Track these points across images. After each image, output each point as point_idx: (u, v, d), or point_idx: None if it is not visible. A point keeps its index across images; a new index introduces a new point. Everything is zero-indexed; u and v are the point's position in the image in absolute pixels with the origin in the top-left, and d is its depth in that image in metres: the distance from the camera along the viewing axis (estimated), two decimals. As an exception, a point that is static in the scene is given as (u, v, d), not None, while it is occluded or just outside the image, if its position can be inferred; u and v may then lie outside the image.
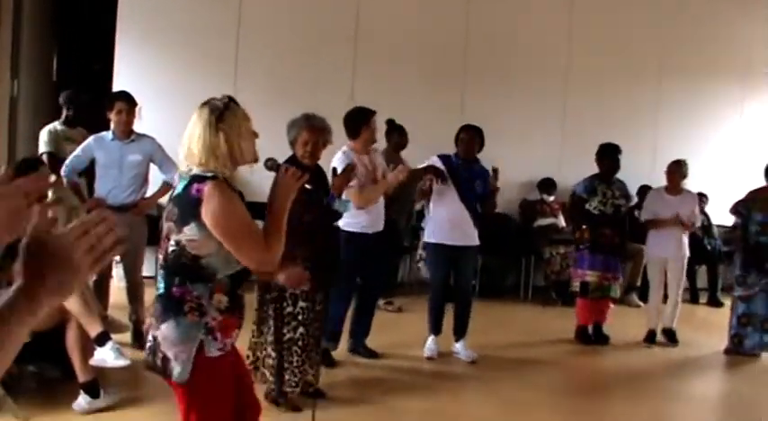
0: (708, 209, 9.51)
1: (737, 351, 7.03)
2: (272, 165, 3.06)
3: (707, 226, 9.39)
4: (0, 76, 8.48)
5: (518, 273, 9.28)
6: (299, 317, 4.64)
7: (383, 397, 5.28)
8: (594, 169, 7.10)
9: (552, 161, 9.59)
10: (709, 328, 7.73)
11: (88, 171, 6.16)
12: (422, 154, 7.59)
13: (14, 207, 1.37)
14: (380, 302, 7.67)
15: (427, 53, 9.20)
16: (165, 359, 2.72)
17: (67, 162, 5.96)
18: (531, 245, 9.12)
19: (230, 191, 2.73)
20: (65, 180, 5.88)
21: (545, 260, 8.97)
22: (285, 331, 4.64)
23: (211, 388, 2.76)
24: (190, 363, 2.69)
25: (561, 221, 9.15)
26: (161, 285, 2.80)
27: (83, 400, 4.51)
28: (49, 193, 1.33)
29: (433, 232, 6.32)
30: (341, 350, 6.03)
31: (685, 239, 7.20)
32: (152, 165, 6.07)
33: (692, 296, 9.32)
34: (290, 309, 4.63)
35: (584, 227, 6.98)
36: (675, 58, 9.90)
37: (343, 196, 5.00)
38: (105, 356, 4.50)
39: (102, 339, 4.50)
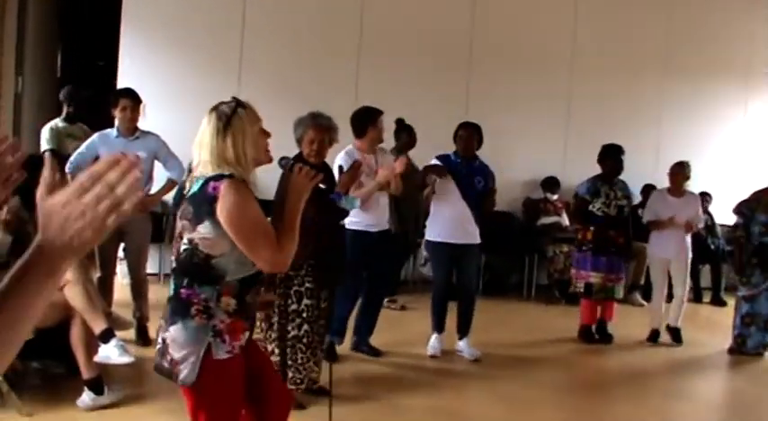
0: (711, 208, 9.50)
1: (741, 351, 7.03)
2: (285, 163, 3.06)
3: (710, 225, 9.37)
4: (5, 73, 8.49)
5: (521, 271, 9.28)
6: (304, 315, 4.65)
7: (387, 394, 5.29)
8: (598, 167, 7.09)
9: (556, 160, 9.58)
10: (713, 328, 7.73)
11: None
12: (425, 152, 7.60)
13: None
14: (384, 301, 7.67)
15: (431, 51, 9.19)
16: (174, 362, 2.72)
17: (72, 159, 5.96)
18: (534, 243, 9.12)
19: (246, 190, 2.72)
20: (69, 177, 5.88)
21: (548, 258, 8.97)
22: (290, 328, 4.64)
23: (219, 390, 2.76)
24: (197, 366, 2.69)
25: (565, 220, 9.14)
26: (171, 287, 2.81)
27: (87, 397, 4.51)
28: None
29: (434, 231, 6.32)
30: (345, 347, 6.04)
31: (688, 240, 7.18)
32: (156, 162, 6.06)
33: (696, 295, 9.31)
34: (294, 306, 4.63)
35: (591, 228, 6.97)
36: (678, 57, 9.89)
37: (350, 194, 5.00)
38: (110, 353, 4.49)
39: (106, 336, 4.50)
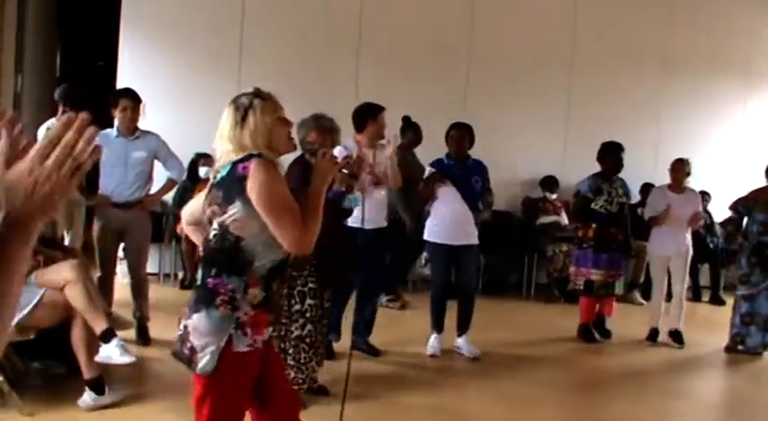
0: (710, 207, 9.51)
1: (737, 349, 7.05)
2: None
3: (709, 224, 9.38)
4: (4, 72, 8.49)
5: (521, 270, 9.30)
6: (307, 315, 4.66)
7: (388, 392, 5.30)
8: (598, 167, 7.10)
9: (555, 158, 9.60)
10: (712, 327, 7.74)
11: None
12: (423, 150, 7.64)
13: None
14: (384, 300, 7.69)
15: (430, 49, 9.20)
16: (193, 349, 2.73)
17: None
18: (533, 242, 9.13)
19: (275, 169, 2.78)
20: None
21: (548, 258, 8.99)
22: (293, 328, 4.65)
23: (233, 383, 2.76)
24: (217, 356, 2.69)
25: (564, 219, 9.16)
26: (199, 276, 2.83)
27: (88, 397, 4.51)
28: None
29: (433, 231, 6.33)
30: (344, 346, 6.04)
31: (689, 237, 7.19)
32: (156, 161, 6.07)
33: (695, 294, 9.32)
34: (297, 306, 4.65)
35: (591, 225, 6.98)
36: (677, 55, 9.90)
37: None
38: (111, 353, 4.50)
39: (107, 336, 4.50)
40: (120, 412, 4.56)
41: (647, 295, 8.45)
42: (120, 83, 7.93)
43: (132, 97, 5.87)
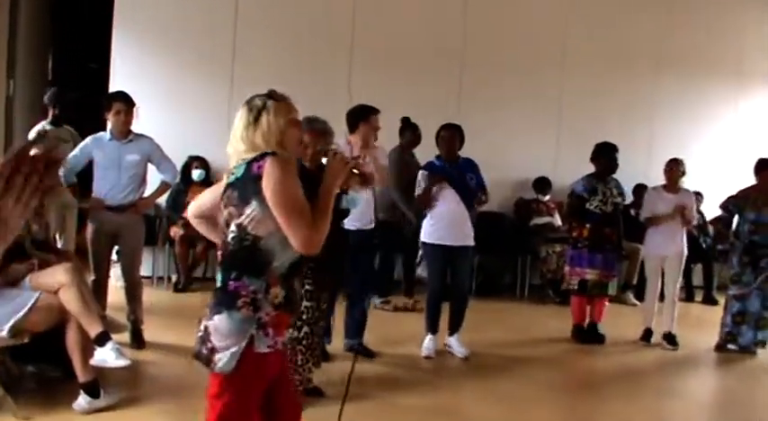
0: (703, 207, 9.54)
1: (728, 348, 7.08)
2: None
3: (702, 224, 9.41)
4: (-4, 76, 8.48)
5: (514, 271, 9.31)
6: (304, 317, 4.67)
7: (383, 393, 5.31)
8: (591, 168, 7.12)
9: (548, 159, 9.62)
10: (705, 326, 7.76)
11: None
12: (419, 151, 7.66)
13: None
14: (377, 301, 7.69)
15: (423, 53, 9.21)
16: (213, 350, 2.73)
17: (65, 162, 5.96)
18: (527, 243, 9.15)
19: (289, 166, 2.79)
20: (63, 180, 5.88)
21: (541, 259, 9.00)
22: (290, 330, 4.65)
23: (251, 383, 2.77)
24: (237, 356, 2.70)
25: (557, 220, 9.18)
26: (219, 279, 2.83)
27: (83, 400, 4.51)
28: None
29: (430, 232, 6.34)
30: (338, 349, 6.05)
31: (684, 237, 7.21)
32: (150, 165, 6.07)
33: (688, 294, 9.36)
34: (295, 308, 4.65)
35: (586, 225, 6.99)
36: (670, 56, 9.93)
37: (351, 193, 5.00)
38: (106, 356, 4.50)
39: (102, 339, 4.51)
40: (115, 415, 4.55)
41: (639, 296, 8.47)
42: (113, 86, 7.92)
43: (125, 100, 5.87)
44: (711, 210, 9.12)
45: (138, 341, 5.93)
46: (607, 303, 7.29)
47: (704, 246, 9.50)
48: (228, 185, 2.84)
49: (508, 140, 9.33)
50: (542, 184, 9.41)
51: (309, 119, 4.81)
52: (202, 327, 2.79)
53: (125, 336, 5.75)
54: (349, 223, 5.64)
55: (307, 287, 4.63)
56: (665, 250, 7.15)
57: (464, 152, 6.45)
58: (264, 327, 2.73)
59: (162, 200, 7.49)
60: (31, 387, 4.81)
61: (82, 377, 4.52)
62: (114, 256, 6.30)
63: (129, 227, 5.92)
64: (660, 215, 7.12)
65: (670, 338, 7.13)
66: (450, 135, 6.37)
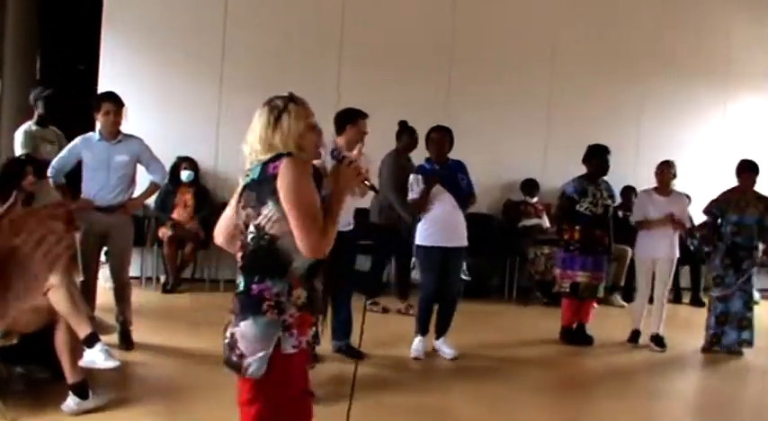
0: (690, 209, 9.56)
1: (713, 349, 7.12)
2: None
3: (690, 227, 9.44)
4: (-16, 77, 8.45)
5: (502, 273, 9.33)
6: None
7: (370, 393, 5.29)
8: (578, 170, 7.15)
9: (536, 161, 9.64)
10: (691, 328, 7.80)
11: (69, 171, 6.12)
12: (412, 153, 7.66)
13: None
14: (367, 304, 7.68)
15: (412, 53, 9.22)
16: (242, 356, 2.76)
17: (54, 163, 5.95)
18: (515, 245, 9.17)
19: (305, 167, 2.80)
20: (51, 181, 5.87)
21: (530, 260, 9.02)
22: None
23: (284, 384, 2.80)
24: (266, 360, 2.73)
25: (546, 222, 9.21)
26: (240, 283, 2.84)
27: (71, 401, 4.50)
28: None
29: (425, 236, 6.34)
30: (326, 350, 6.04)
31: (676, 239, 7.23)
32: (139, 165, 6.06)
33: (676, 296, 9.39)
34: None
35: (576, 227, 7.01)
36: (658, 57, 9.97)
37: None
38: (95, 357, 4.50)
39: (91, 340, 4.51)
40: (104, 416, 4.55)
41: (627, 298, 8.51)
42: (102, 86, 7.90)
43: (114, 101, 5.86)
44: (699, 212, 9.17)
45: (126, 342, 5.92)
46: (596, 305, 7.32)
47: (692, 248, 9.53)
48: (245, 187, 2.85)
49: (497, 142, 9.35)
50: (530, 186, 9.44)
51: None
52: (228, 335, 2.81)
53: (114, 338, 5.75)
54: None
55: None
56: (656, 253, 7.17)
57: (453, 153, 6.47)
58: (289, 329, 2.77)
59: (151, 201, 7.49)
60: (20, 388, 4.78)
61: (71, 378, 4.51)
62: (103, 257, 6.28)
63: (118, 227, 5.91)
64: (651, 220, 7.14)
65: (658, 340, 7.16)
66: (440, 137, 6.39)
